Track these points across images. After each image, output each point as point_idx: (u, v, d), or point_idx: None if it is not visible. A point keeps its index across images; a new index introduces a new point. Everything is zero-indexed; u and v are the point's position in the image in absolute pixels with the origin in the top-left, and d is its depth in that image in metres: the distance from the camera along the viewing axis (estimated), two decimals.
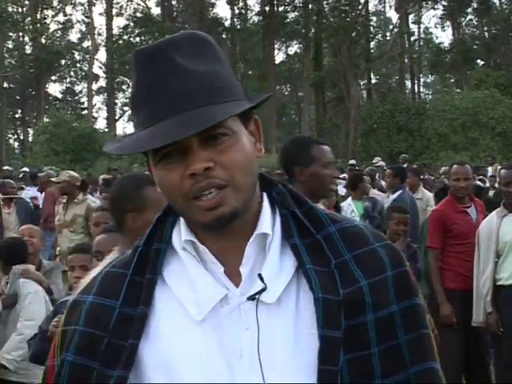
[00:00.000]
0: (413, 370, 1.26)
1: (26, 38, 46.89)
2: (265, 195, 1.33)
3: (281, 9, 42.74)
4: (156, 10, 47.13)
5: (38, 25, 43.79)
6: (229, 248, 1.28)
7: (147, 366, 1.26)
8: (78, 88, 56.36)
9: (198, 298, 1.26)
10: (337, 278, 1.26)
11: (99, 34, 49.25)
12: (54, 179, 8.22)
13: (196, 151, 1.21)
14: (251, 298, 1.24)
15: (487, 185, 13.09)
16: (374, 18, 48.16)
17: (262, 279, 1.25)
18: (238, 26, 45.26)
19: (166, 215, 1.35)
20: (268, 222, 1.29)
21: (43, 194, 10.69)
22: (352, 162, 22.13)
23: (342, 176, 15.04)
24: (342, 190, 11.22)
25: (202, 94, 1.22)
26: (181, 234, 1.30)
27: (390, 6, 48.85)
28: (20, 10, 45.06)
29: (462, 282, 5.63)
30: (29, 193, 13.56)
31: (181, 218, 1.32)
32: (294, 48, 49.54)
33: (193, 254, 1.28)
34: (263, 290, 1.24)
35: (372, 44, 44.97)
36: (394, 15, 58.04)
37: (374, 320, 1.25)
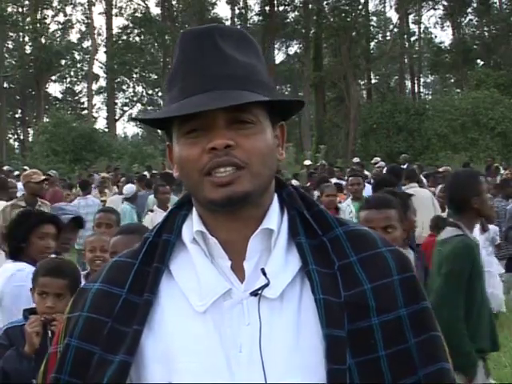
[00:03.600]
0: (423, 372, 1.27)
1: (26, 38, 46.84)
2: (275, 195, 1.35)
3: (281, 9, 42.72)
4: (156, 10, 47.18)
5: (38, 25, 43.78)
6: (236, 242, 1.30)
7: (147, 355, 1.28)
8: (78, 88, 56.41)
9: (202, 291, 1.27)
10: (339, 280, 1.28)
11: (99, 34, 49.29)
12: None
13: (221, 129, 1.24)
14: (254, 293, 1.26)
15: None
16: (374, 18, 48.04)
17: (264, 274, 1.26)
18: (238, 26, 45.25)
19: (180, 209, 1.38)
20: (275, 219, 1.31)
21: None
22: (356, 160, 22.06)
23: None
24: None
25: (238, 79, 1.26)
26: (191, 226, 1.32)
27: (390, 6, 48.79)
28: (20, 9, 45.04)
29: None
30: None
31: (193, 211, 1.34)
32: (294, 48, 49.48)
33: (201, 246, 1.30)
34: (266, 285, 1.25)
35: (372, 44, 44.90)
36: (394, 15, 58.11)
37: (380, 323, 1.26)
